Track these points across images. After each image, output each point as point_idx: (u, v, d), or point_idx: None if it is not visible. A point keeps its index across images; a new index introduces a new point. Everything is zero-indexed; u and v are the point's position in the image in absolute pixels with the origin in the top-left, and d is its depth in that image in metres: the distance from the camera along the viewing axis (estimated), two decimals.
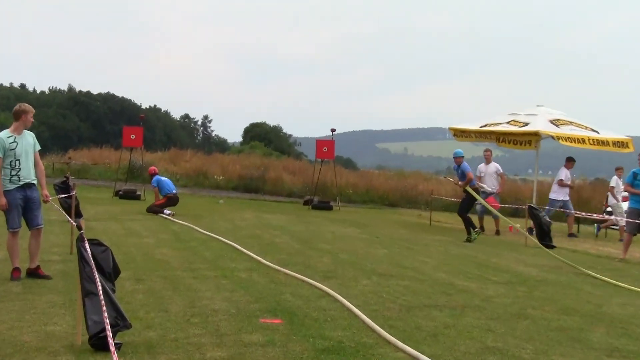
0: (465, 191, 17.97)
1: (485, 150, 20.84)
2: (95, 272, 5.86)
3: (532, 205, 17.65)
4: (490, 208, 18.45)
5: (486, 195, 19.91)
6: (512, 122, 21.46)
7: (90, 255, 6.02)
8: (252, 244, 13.97)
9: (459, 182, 18.12)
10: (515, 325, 7.90)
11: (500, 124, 21.66)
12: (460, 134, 22.80)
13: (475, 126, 22.43)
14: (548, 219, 16.88)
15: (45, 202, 9.55)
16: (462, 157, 18.16)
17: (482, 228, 19.93)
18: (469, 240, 17.18)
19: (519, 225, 21.11)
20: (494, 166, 20.48)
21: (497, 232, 20.10)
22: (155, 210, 19.80)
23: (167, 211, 19.79)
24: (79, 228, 6.34)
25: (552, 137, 20.08)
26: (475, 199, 17.98)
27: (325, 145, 27.26)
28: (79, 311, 6.21)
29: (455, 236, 18.35)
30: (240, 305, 8.11)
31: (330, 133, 27.31)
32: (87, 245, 6.07)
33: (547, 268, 13.05)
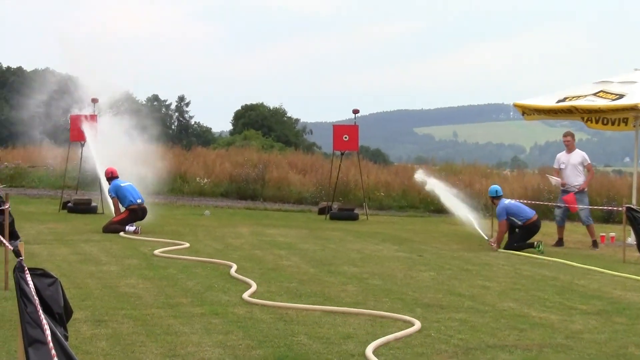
0: (514, 228, 18.91)
1: (565, 136, 20.73)
2: (41, 313, 5.88)
3: (631, 206, 17.60)
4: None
5: (566, 193, 19.86)
6: (602, 94, 21.32)
7: (33, 290, 6.04)
8: (251, 269, 14.03)
9: (491, 242, 18.96)
10: None
11: (585, 96, 21.52)
12: (531, 112, 22.74)
13: (550, 101, 22.34)
14: None
15: None
16: (496, 197, 19.06)
17: (561, 240, 19.90)
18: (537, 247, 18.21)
19: (613, 234, 21.07)
20: (578, 155, 20.25)
21: (595, 244, 19.85)
22: (114, 229, 19.80)
23: (130, 227, 19.81)
24: (17, 254, 6.35)
25: None
26: (529, 236, 18.79)
27: (345, 133, 27.29)
28: None
29: (527, 250, 18.32)
30: (239, 352, 8.15)
31: (353, 116, 27.34)
32: (28, 276, 6.08)
33: None
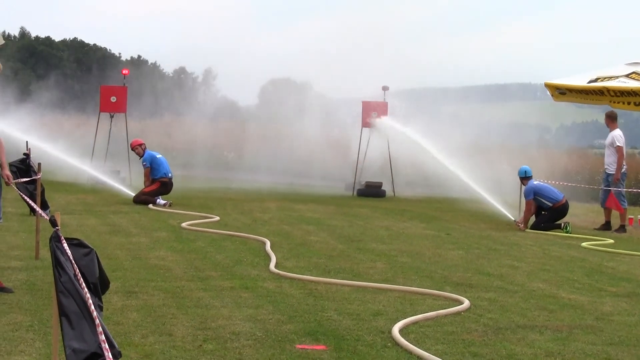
0: (542, 210, 18.83)
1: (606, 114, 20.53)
2: (78, 282, 5.88)
3: None
4: None
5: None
6: (634, 76, 21.06)
7: (69, 260, 6.02)
8: (280, 243, 14.05)
9: (518, 223, 18.85)
10: None
11: (617, 77, 21.26)
12: (560, 93, 22.48)
13: (581, 81, 22.10)
14: None
15: (7, 184, 9.68)
16: (525, 177, 19.05)
17: (608, 224, 19.52)
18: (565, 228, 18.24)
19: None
20: (610, 136, 19.77)
21: (622, 228, 19.50)
22: (144, 199, 19.91)
23: (161, 200, 19.92)
24: (53, 224, 6.30)
25: None
26: (556, 218, 18.72)
27: (374, 109, 27.19)
28: (54, 336, 6.23)
29: (556, 230, 18.24)
30: (269, 326, 8.18)
31: (382, 92, 27.24)
32: (65, 246, 6.06)
33: None
